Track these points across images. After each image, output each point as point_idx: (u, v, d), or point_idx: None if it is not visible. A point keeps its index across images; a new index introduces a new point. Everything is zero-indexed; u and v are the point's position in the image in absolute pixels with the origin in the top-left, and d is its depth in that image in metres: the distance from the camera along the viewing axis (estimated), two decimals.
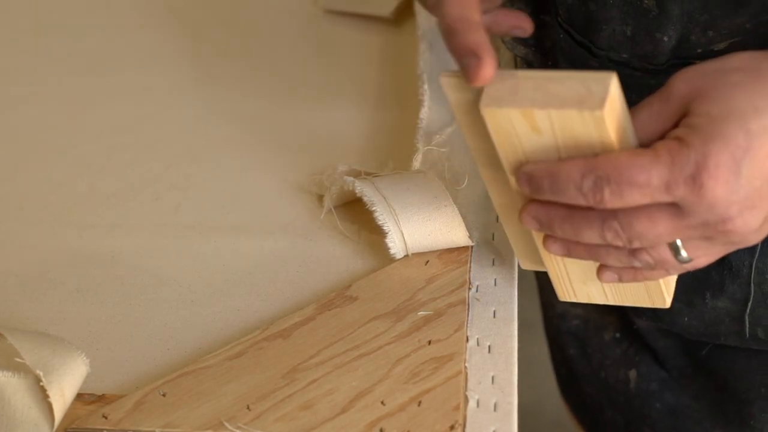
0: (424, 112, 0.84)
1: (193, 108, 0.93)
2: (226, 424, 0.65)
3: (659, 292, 0.68)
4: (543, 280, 1.04)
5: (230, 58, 0.99)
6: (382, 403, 0.66)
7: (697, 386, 0.88)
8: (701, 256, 0.63)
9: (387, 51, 0.98)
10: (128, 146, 0.89)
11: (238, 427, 0.65)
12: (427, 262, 0.75)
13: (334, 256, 0.78)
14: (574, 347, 0.97)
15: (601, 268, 0.66)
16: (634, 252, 0.62)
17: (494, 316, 0.72)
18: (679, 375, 0.89)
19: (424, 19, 0.95)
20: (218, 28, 1.03)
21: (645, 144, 0.61)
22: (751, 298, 0.79)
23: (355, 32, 1.01)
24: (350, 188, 0.76)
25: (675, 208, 0.59)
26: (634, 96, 0.69)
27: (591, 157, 0.59)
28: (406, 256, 0.75)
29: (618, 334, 0.93)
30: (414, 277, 0.74)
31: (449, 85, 0.62)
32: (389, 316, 0.71)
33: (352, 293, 0.73)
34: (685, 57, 0.72)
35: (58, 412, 0.65)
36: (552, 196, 0.61)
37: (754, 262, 0.78)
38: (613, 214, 0.60)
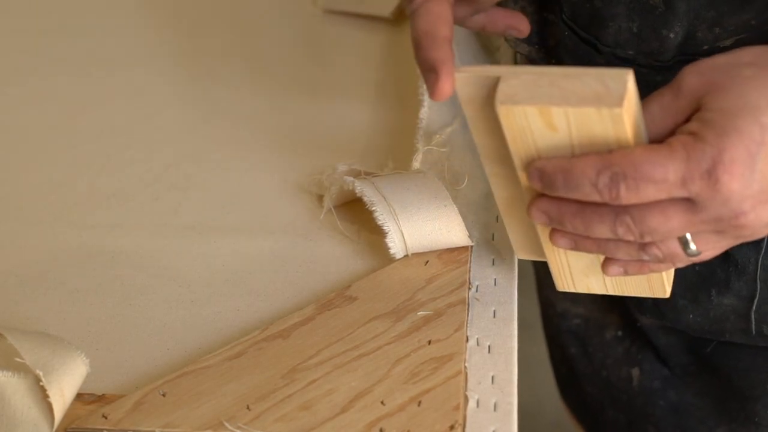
0: (424, 112, 0.84)
1: (193, 108, 0.93)
2: (226, 424, 0.65)
3: (660, 283, 0.68)
4: (542, 279, 1.04)
5: (230, 58, 0.99)
6: (381, 403, 0.66)
7: (700, 384, 0.88)
8: (710, 249, 0.63)
9: (387, 51, 0.98)
10: (128, 146, 0.89)
11: (238, 427, 0.65)
12: (427, 262, 0.75)
13: (334, 256, 0.78)
14: (575, 346, 0.97)
15: (607, 262, 0.65)
16: (643, 246, 0.62)
17: (494, 316, 0.72)
18: (683, 373, 0.89)
19: None
20: (218, 28, 1.03)
21: (655, 138, 0.61)
22: (757, 295, 0.79)
23: (355, 32, 1.01)
24: (350, 188, 0.77)
25: (689, 202, 0.59)
26: (640, 92, 0.69)
27: (606, 153, 0.59)
28: (406, 256, 0.75)
29: (620, 333, 0.93)
30: (414, 277, 0.74)
31: (460, 80, 0.62)
32: (389, 316, 0.71)
33: (352, 293, 0.73)
34: (691, 54, 0.72)
35: (58, 412, 0.65)
36: (566, 192, 0.60)
37: (760, 259, 0.78)
38: (626, 209, 0.60)
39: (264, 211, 0.82)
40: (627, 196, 0.58)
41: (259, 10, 1.05)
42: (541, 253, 0.69)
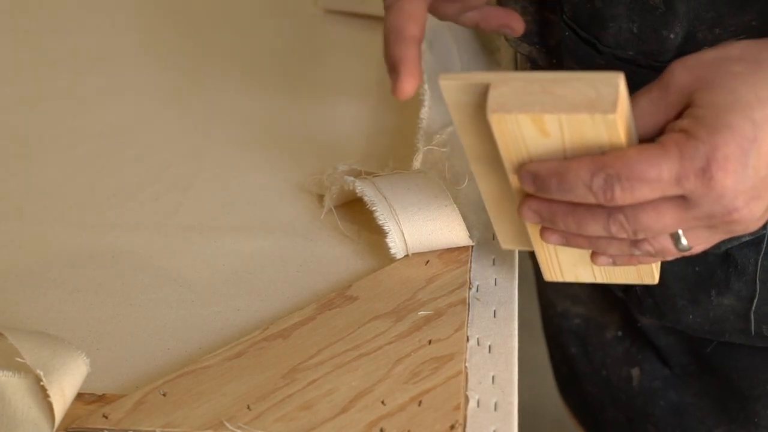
0: (425, 112, 0.84)
1: (193, 108, 0.93)
2: (227, 424, 0.65)
3: (649, 270, 0.68)
4: (542, 279, 1.04)
5: (230, 58, 0.99)
6: (382, 403, 0.66)
7: (700, 384, 0.88)
8: (701, 243, 0.63)
9: None
10: (128, 146, 0.89)
11: (239, 427, 0.65)
12: (428, 261, 0.75)
13: (335, 256, 0.78)
14: (575, 346, 0.97)
15: (596, 254, 0.65)
16: (635, 242, 0.62)
17: (494, 316, 0.72)
18: (683, 373, 0.89)
19: None
20: (218, 28, 1.03)
21: (644, 133, 0.61)
22: (757, 296, 0.79)
23: (355, 32, 1.01)
24: (350, 188, 0.76)
25: (682, 200, 0.59)
26: None
27: (599, 155, 0.59)
28: (407, 255, 0.75)
29: (620, 333, 0.93)
30: (414, 277, 0.74)
31: (449, 88, 0.62)
32: (389, 315, 0.71)
33: (353, 293, 0.73)
34: (691, 54, 0.72)
35: (59, 412, 0.65)
36: (559, 195, 0.60)
37: (760, 260, 0.78)
38: (620, 208, 0.60)
39: (264, 210, 0.82)
40: (622, 197, 0.58)
41: (260, 10, 1.05)
42: (528, 242, 0.69)
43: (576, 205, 0.61)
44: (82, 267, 0.78)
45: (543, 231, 0.64)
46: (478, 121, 0.62)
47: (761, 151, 0.58)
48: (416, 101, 0.87)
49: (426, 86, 0.87)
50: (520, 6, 0.81)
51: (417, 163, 0.80)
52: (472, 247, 0.76)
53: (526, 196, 0.63)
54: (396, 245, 0.75)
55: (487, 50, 0.96)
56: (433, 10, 0.73)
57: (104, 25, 1.04)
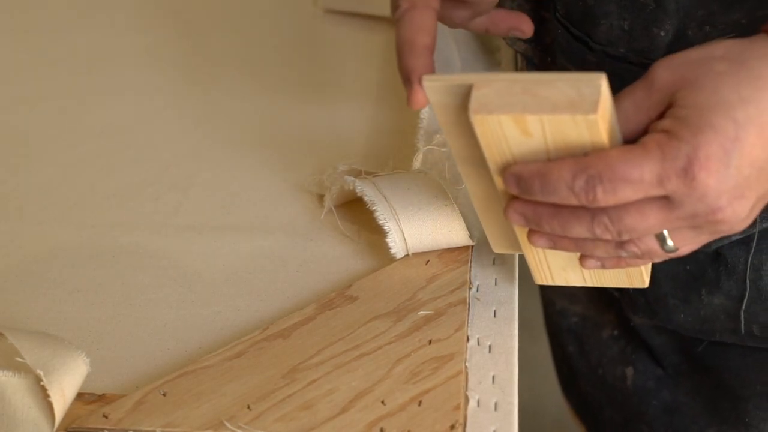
0: (425, 112, 0.84)
1: (194, 108, 0.93)
2: (227, 424, 0.65)
3: (639, 274, 0.68)
4: None
5: (230, 58, 0.99)
6: (382, 402, 0.66)
7: (692, 384, 0.88)
8: (687, 244, 0.63)
9: (387, 51, 0.98)
10: (128, 146, 0.89)
11: (239, 427, 0.65)
12: (428, 261, 0.75)
13: (335, 255, 0.78)
14: (573, 345, 0.98)
15: (584, 257, 0.65)
16: (621, 243, 0.62)
17: (495, 316, 0.72)
18: (675, 372, 0.89)
19: None
20: (218, 28, 1.03)
21: (628, 134, 0.61)
22: (747, 295, 0.79)
23: (355, 32, 1.01)
24: (351, 188, 0.76)
25: (665, 200, 0.59)
26: None
27: (581, 157, 0.59)
28: (407, 255, 0.75)
29: (616, 332, 0.93)
30: (414, 277, 0.74)
31: (432, 89, 0.62)
32: (389, 315, 0.71)
33: (353, 293, 0.73)
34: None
35: (59, 412, 0.65)
36: (543, 196, 0.60)
37: (750, 259, 0.78)
38: (603, 209, 0.60)
39: (264, 210, 0.82)
40: (604, 198, 0.58)
41: (260, 10, 1.05)
42: (518, 246, 0.69)
43: (560, 207, 0.61)
44: (82, 267, 0.78)
45: (530, 234, 0.64)
46: (463, 122, 0.62)
47: (744, 151, 0.57)
48: None
49: None
50: (516, 5, 0.81)
51: (417, 163, 0.80)
52: (472, 247, 0.76)
53: (512, 199, 0.63)
54: (396, 245, 0.75)
55: (487, 50, 0.96)
56: (442, 18, 0.73)
57: (104, 25, 1.04)
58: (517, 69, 0.94)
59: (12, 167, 0.88)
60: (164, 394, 0.67)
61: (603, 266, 0.65)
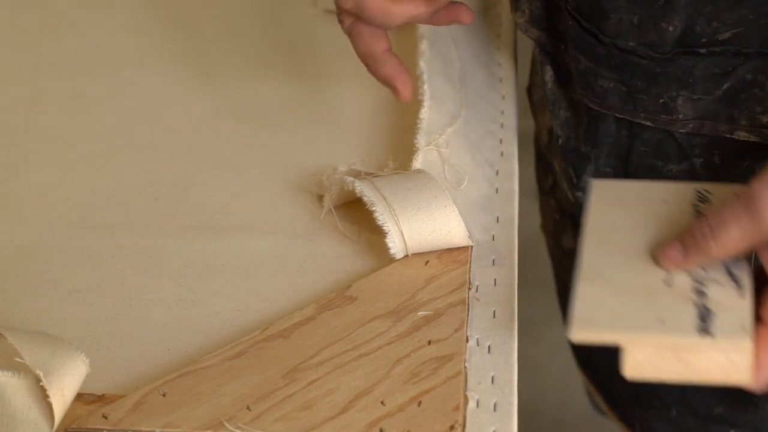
0: (424, 112, 0.84)
1: (193, 108, 0.93)
2: (226, 424, 0.65)
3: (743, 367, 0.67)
4: (555, 252, 1.04)
5: (230, 58, 0.99)
6: (382, 403, 0.66)
7: None
8: None
9: None
10: (128, 146, 0.89)
11: (238, 427, 0.65)
12: (427, 262, 0.75)
13: (334, 256, 0.78)
14: None
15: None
16: None
17: (494, 316, 0.72)
18: None
19: None
20: (218, 28, 1.03)
21: (736, 254, 0.64)
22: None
23: None
24: (350, 188, 0.77)
25: None
26: (640, 83, 0.75)
27: None
28: (406, 256, 0.75)
29: None
30: (414, 277, 0.74)
31: (578, 334, 0.65)
32: (389, 316, 0.71)
33: (352, 293, 0.73)
34: (689, 46, 0.74)
35: (58, 412, 0.65)
36: None
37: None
38: None
39: (264, 211, 0.82)
40: None
41: (260, 11, 1.05)
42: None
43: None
44: (82, 267, 0.78)
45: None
46: None
47: None
48: (416, 101, 0.88)
49: (425, 86, 0.87)
50: None
51: (417, 163, 0.80)
52: (472, 247, 0.76)
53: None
54: (395, 245, 0.75)
55: (487, 49, 0.96)
56: (385, 16, 0.76)
57: (104, 26, 1.04)
58: (515, 53, 0.95)
59: (12, 167, 0.88)
60: (164, 395, 0.67)
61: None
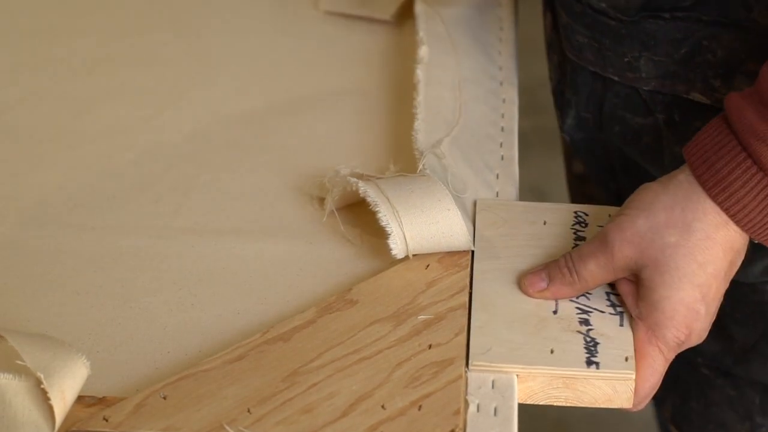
0: (418, 125, 0.84)
1: (194, 110, 0.93)
2: (227, 427, 0.65)
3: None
4: (568, 177, 1.10)
5: (231, 60, 0.99)
6: (382, 407, 0.66)
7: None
8: None
9: (388, 52, 0.98)
10: (128, 148, 0.89)
11: (239, 430, 0.65)
12: (428, 266, 0.75)
13: (335, 259, 0.78)
14: None
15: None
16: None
17: None
18: None
19: (423, 22, 0.95)
20: (219, 30, 1.03)
21: (594, 286, 0.73)
22: None
23: (356, 34, 1.01)
24: (353, 188, 0.77)
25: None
26: (608, 41, 0.82)
27: None
28: (407, 258, 0.75)
29: None
30: (414, 281, 0.74)
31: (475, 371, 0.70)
32: (390, 319, 0.71)
33: (353, 296, 0.73)
34: (654, 10, 0.79)
35: (59, 415, 0.65)
36: None
37: None
38: None
39: (265, 213, 0.82)
40: None
41: (260, 12, 1.04)
42: None
43: None
44: (83, 269, 0.78)
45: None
46: None
47: (709, 299, 0.71)
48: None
49: (420, 98, 0.87)
50: None
51: (421, 165, 0.80)
52: (473, 251, 0.76)
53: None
54: (397, 247, 0.75)
55: (487, 52, 0.96)
56: None
57: (104, 27, 1.04)
58: (516, 55, 0.96)
59: (12, 169, 0.88)
60: (164, 397, 0.67)
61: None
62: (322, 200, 0.81)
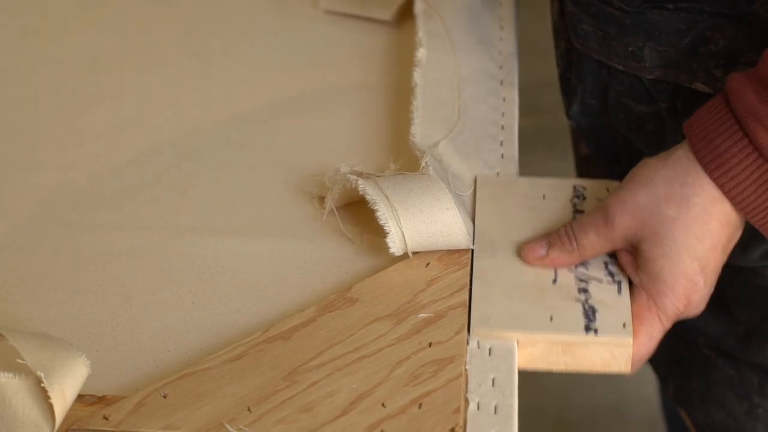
0: (415, 128, 0.84)
1: (194, 109, 0.93)
2: (227, 426, 0.65)
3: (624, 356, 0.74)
4: (576, 158, 1.11)
5: (231, 59, 0.99)
6: (382, 405, 0.66)
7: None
8: None
9: (388, 52, 0.98)
10: (128, 147, 0.89)
11: (239, 429, 0.65)
12: (428, 264, 0.75)
13: (335, 257, 0.78)
14: None
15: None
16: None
17: None
18: None
19: (423, 22, 0.95)
20: (219, 29, 1.03)
21: (593, 255, 0.75)
22: None
23: (356, 33, 1.01)
24: (353, 186, 0.77)
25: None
26: (613, 31, 0.83)
27: None
28: (407, 256, 0.75)
29: None
30: (415, 280, 0.74)
31: (479, 335, 0.71)
32: (390, 318, 0.71)
33: (353, 295, 0.73)
34: (656, 5, 0.80)
35: (59, 414, 0.65)
36: None
37: None
38: None
39: (265, 212, 0.82)
40: None
41: (260, 11, 1.04)
42: None
43: None
44: (82, 268, 0.78)
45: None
46: None
47: (708, 271, 0.72)
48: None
49: (417, 102, 0.87)
50: None
51: (423, 162, 0.80)
52: (473, 250, 0.76)
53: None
54: (396, 245, 0.75)
55: (487, 51, 0.96)
56: None
57: (104, 26, 1.04)
58: (517, 53, 0.96)
59: (12, 167, 0.88)
60: (165, 396, 0.67)
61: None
62: (322, 199, 0.81)
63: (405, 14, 1.01)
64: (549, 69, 1.06)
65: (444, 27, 0.95)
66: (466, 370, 0.68)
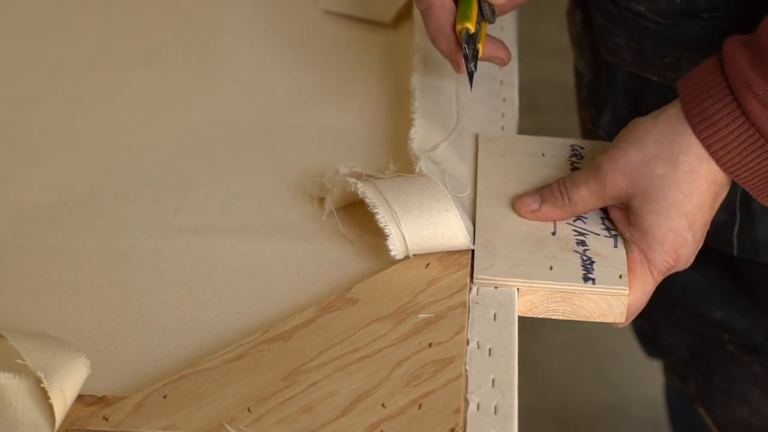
0: (414, 132, 0.84)
1: (194, 109, 0.93)
2: (227, 426, 0.65)
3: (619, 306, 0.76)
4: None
5: (231, 59, 0.99)
6: (382, 405, 0.66)
7: (714, 270, 0.98)
8: None
9: (388, 53, 0.98)
10: (128, 147, 0.89)
11: (239, 429, 0.65)
12: (428, 264, 0.75)
13: (335, 258, 0.78)
14: None
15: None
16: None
17: (494, 319, 0.72)
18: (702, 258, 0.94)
19: (420, 27, 0.95)
20: (219, 29, 1.03)
21: (584, 210, 0.77)
22: (737, 222, 0.89)
23: (356, 34, 1.01)
24: (352, 189, 0.77)
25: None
26: (648, 43, 0.84)
27: None
28: (407, 257, 0.75)
29: None
30: (415, 280, 0.74)
31: (482, 282, 0.75)
32: (390, 318, 0.71)
33: (353, 295, 0.73)
34: (692, 16, 0.81)
35: (59, 414, 0.65)
36: None
37: (739, 191, 0.88)
38: None
39: (265, 213, 0.82)
40: None
41: (260, 11, 1.04)
42: None
43: None
44: (82, 269, 0.78)
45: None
46: None
47: (695, 227, 0.74)
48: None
49: (416, 104, 0.87)
50: None
51: (417, 168, 0.80)
52: (473, 250, 0.76)
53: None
54: (396, 248, 0.75)
55: None
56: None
57: (104, 26, 1.04)
58: (517, 54, 0.96)
59: (12, 168, 0.88)
60: (165, 396, 0.67)
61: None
62: (321, 200, 0.81)
63: (404, 16, 1.01)
64: (549, 69, 1.06)
65: None
66: (466, 370, 0.68)
